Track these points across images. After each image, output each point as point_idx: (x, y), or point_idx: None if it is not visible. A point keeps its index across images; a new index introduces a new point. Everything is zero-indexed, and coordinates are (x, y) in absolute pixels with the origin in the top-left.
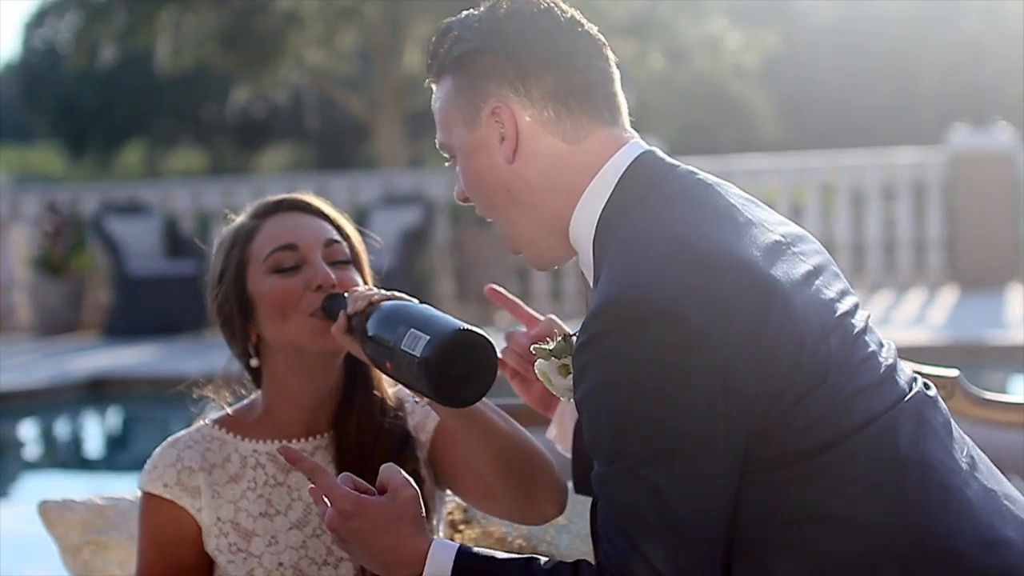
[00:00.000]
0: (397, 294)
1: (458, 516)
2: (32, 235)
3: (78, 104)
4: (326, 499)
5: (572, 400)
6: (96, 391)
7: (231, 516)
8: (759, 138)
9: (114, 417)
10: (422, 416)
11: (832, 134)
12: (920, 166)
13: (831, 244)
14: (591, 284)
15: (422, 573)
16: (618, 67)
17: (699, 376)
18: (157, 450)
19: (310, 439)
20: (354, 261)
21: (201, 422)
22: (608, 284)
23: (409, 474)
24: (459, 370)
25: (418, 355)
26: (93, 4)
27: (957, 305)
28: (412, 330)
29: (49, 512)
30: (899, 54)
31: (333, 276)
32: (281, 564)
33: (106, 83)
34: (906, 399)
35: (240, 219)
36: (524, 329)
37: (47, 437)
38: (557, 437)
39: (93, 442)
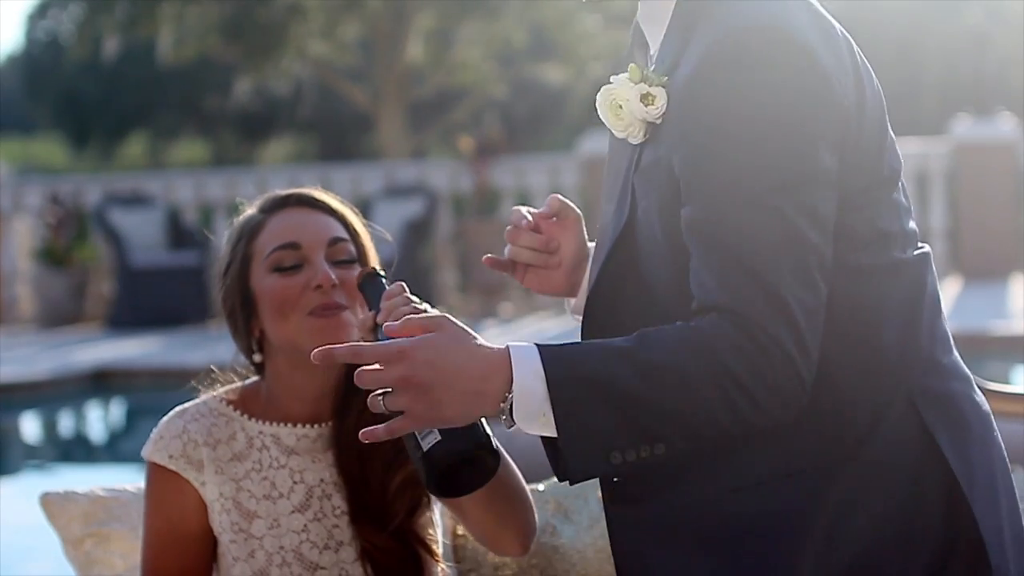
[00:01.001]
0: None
1: None
2: (35, 227)
3: (81, 95)
4: (378, 365)
5: (639, 138)
6: (99, 383)
7: (233, 494)
8: None
9: (117, 409)
10: None
11: None
12: (923, 156)
13: None
14: (652, 37)
15: (512, 375)
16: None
17: (826, 115)
18: (164, 419)
19: (314, 426)
20: (360, 259)
21: (210, 395)
22: (731, 17)
23: (411, 473)
24: (457, 473)
25: (423, 449)
26: None
27: (960, 295)
28: None
29: (51, 504)
30: (901, 44)
31: (334, 276)
32: (282, 547)
33: (109, 74)
34: (924, 248)
35: (248, 212)
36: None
37: (50, 429)
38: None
39: (96, 434)
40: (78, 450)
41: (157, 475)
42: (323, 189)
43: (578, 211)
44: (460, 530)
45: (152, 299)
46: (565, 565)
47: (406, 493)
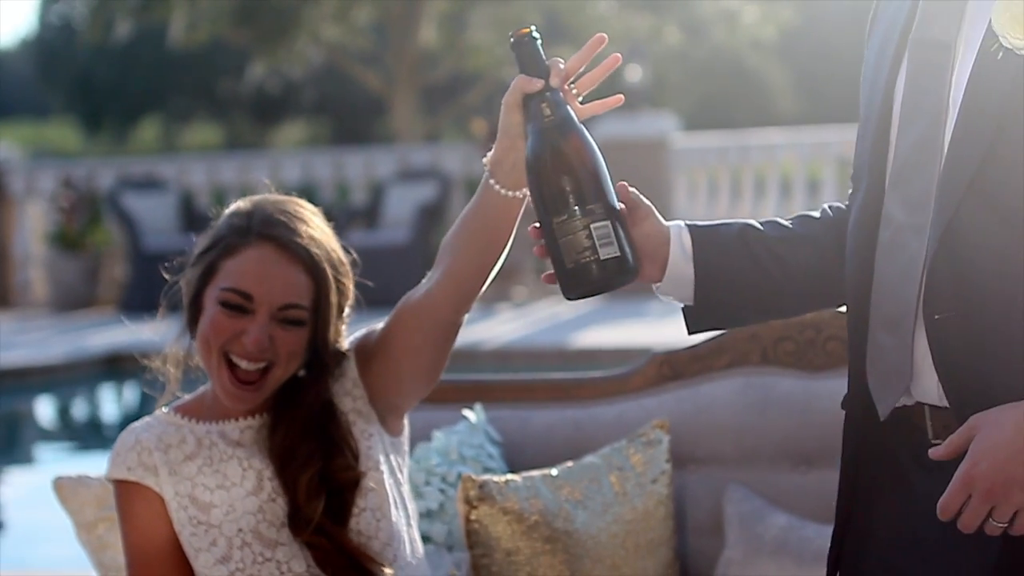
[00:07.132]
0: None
1: (473, 492)
2: (48, 211)
3: (94, 79)
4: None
5: None
6: (112, 367)
7: (189, 491)
8: (776, 112)
9: (130, 393)
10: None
11: (848, 108)
12: None
13: None
14: None
15: None
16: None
17: None
18: (117, 440)
19: (255, 416)
20: (317, 320)
21: (158, 411)
22: None
23: (339, 442)
24: (602, 281)
25: (601, 256)
26: None
27: None
28: (610, 224)
29: (64, 488)
30: None
31: (263, 346)
32: (240, 530)
33: (122, 58)
34: None
35: (240, 214)
36: None
37: (63, 413)
38: (673, 291)
39: (109, 418)
40: (91, 434)
41: (122, 491)
42: (306, 230)
43: (648, 203)
44: (473, 516)
45: (165, 283)
46: (579, 550)
47: (317, 498)
